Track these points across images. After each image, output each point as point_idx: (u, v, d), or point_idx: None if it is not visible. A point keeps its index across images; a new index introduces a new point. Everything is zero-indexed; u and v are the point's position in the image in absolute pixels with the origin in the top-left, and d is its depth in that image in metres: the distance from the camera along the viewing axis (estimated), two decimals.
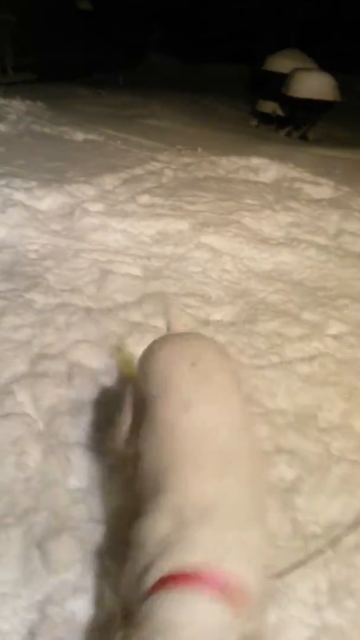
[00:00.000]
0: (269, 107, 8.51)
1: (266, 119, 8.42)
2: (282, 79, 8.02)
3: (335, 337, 2.73)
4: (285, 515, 1.84)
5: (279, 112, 8.49)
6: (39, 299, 2.62)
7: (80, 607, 1.46)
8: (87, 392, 2.17)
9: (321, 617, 1.55)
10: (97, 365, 2.34)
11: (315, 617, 1.55)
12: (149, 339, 2.46)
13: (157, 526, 1.17)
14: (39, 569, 1.54)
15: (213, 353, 1.61)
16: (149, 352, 1.68)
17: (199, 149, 5.07)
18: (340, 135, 7.26)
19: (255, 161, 4.87)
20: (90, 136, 5.15)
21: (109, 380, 2.28)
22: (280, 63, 8.41)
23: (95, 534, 1.64)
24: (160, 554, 1.12)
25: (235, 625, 1.04)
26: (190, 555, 1.10)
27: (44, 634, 1.39)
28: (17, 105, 5.61)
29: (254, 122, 8.32)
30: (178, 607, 1.02)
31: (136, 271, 3.02)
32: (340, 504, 1.89)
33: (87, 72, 8.76)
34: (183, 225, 3.55)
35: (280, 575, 1.64)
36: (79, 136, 5.12)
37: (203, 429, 1.32)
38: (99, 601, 1.48)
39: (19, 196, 3.57)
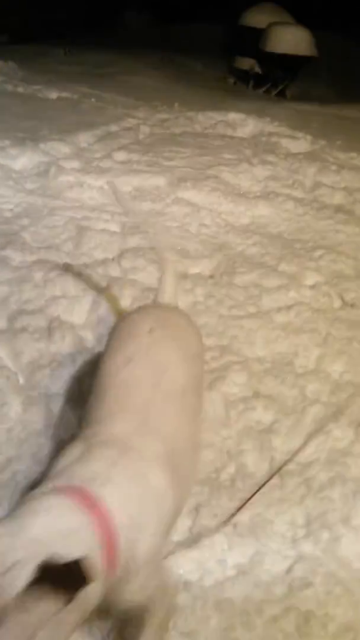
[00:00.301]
0: (246, 63, 8.35)
1: (243, 77, 8.28)
2: (259, 34, 7.87)
3: (311, 287, 2.77)
4: (263, 455, 1.90)
5: (257, 69, 8.35)
6: (15, 256, 2.62)
7: None
8: (67, 346, 2.20)
9: (298, 548, 1.62)
10: (77, 320, 2.36)
11: (292, 549, 1.62)
12: (128, 293, 2.52)
13: (72, 451, 1.22)
14: None
15: (175, 323, 1.66)
16: (119, 319, 1.76)
17: (176, 105, 5.01)
18: (318, 93, 7.17)
19: (232, 116, 4.82)
20: (64, 94, 5.05)
21: (89, 334, 2.30)
22: (257, 18, 8.23)
23: None
24: (57, 473, 1.15)
25: (89, 542, 0.99)
26: (76, 477, 1.12)
27: None
28: None
29: (231, 80, 8.19)
30: (37, 500, 1.04)
31: (114, 227, 3.01)
32: (315, 443, 1.95)
33: (59, 32, 8.52)
34: (160, 181, 3.53)
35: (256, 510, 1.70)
36: (53, 94, 5.02)
37: (139, 379, 1.40)
38: None
39: None
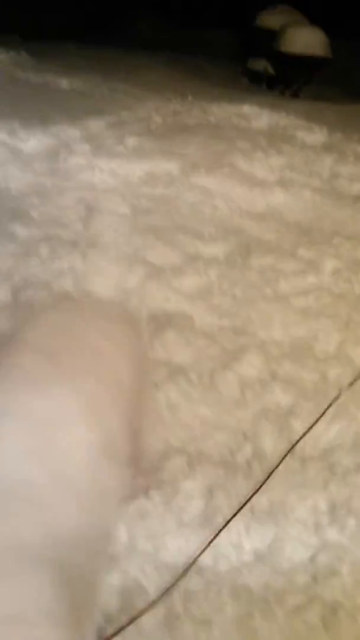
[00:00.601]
0: (260, 64, 8.28)
1: (257, 78, 8.20)
2: (273, 35, 7.80)
3: (331, 273, 2.64)
4: (282, 438, 1.76)
5: (270, 70, 8.28)
6: (21, 231, 2.50)
7: None
8: None
9: (321, 536, 1.47)
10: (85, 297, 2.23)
11: (315, 536, 1.48)
12: (139, 272, 2.39)
13: None
14: None
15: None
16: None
17: (189, 97, 4.90)
18: (332, 96, 7.06)
19: (246, 109, 4.70)
20: (76, 85, 4.95)
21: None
22: (271, 19, 8.16)
23: None
24: None
25: None
26: None
27: None
28: None
29: (245, 81, 8.11)
30: None
31: (124, 209, 2.89)
32: (338, 428, 1.81)
33: (68, 32, 8.43)
34: (173, 166, 3.41)
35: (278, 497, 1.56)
36: (65, 84, 4.93)
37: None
38: None
39: (1, 136, 3.41)
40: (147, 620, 1.20)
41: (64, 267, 2.32)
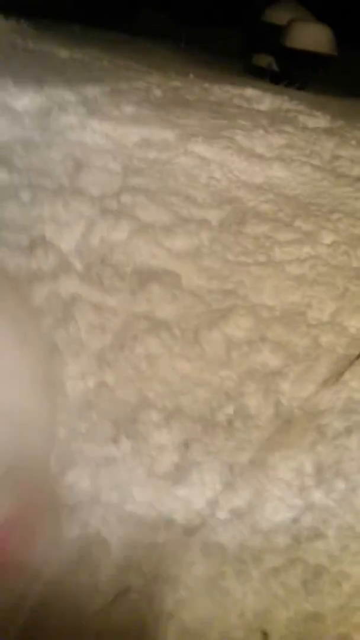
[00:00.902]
0: (264, 60, 8.19)
1: (260, 74, 8.10)
2: (279, 31, 7.71)
3: (328, 245, 2.50)
4: (268, 399, 1.61)
5: (274, 66, 8.18)
6: (1, 175, 2.34)
7: None
8: (51, 264, 1.91)
9: (307, 497, 1.32)
10: (66, 247, 2.08)
11: (299, 497, 1.33)
12: (124, 226, 2.24)
13: None
14: None
15: None
16: None
17: (191, 75, 4.77)
18: (336, 92, 6.96)
19: (249, 92, 4.59)
20: (76, 55, 4.80)
21: (77, 262, 2.02)
22: (278, 14, 8.08)
23: None
24: None
25: None
26: None
27: None
28: None
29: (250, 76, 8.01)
30: None
31: (115, 167, 2.74)
32: (329, 391, 1.67)
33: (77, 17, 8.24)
34: (170, 134, 3.27)
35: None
36: (64, 54, 4.78)
37: None
38: None
39: None
40: (107, 571, 1.04)
41: (44, 214, 2.16)
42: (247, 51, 8.33)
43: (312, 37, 7.31)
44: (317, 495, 1.31)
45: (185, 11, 11.28)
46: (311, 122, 4.12)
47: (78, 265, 1.99)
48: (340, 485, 1.34)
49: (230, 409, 1.56)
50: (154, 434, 1.41)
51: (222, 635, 1.02)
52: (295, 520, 1.25)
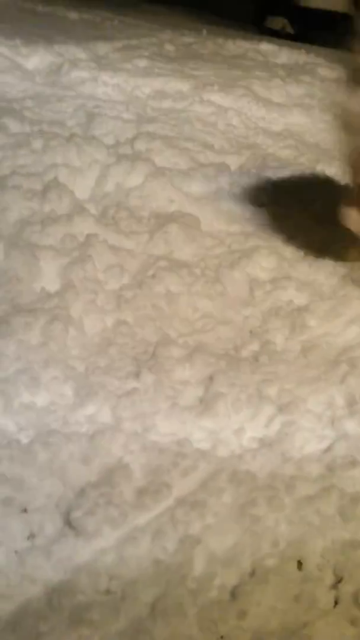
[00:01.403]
0: (278, 23, 7.95)
1: (275, 37, 7.88)
2: None
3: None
4: (294, 334, 1.53)
5: (289, 29, 7.94)
6: (13, 125, 2.28)
7: None
8: (65, 207, 1.84)
9: (339, 428, 1.25)
10: (80, 194, 2.00)
11: (330, 428, 1.25)
12: (139, 171, 2.15)
13: None
14: None
15: None
16: None
17: (204, 31, 4.63)
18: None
19: (264, 46, 4.44)
20: (86, 16, 4.69)
21: (92, 207, 1.94)
22: None
23: None
24: None
25: None
26: None
27: None
28: None
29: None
30: None
31: (129, 116, 2.65)
32: (356, 329, 1.58)
33: None
34: (184, 85, 3.17)
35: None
36: (73, 15, 4.66)
37: None
38: None
39: (1, 49, 3.18)
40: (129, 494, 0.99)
41: (57, 160, 2.08)
42: (261, 15, 8.09)
43: None
44: (350, 425, 1.24)
45: None
46: (330, 74, 3.96)
47: (93, 209, 1.92)
48: None
49: (255, 346, 1.49)
50: (177, 368, 1.35)
51: (254, 564, 0.96)
52: (327, 450, 1.18)
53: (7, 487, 1.00)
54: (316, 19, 7.34)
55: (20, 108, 2.52)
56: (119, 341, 1.42)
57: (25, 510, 0.98)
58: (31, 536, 0.94)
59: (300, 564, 0.98)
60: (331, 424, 1.26)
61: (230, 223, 2.05)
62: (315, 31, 7.56)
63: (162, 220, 1.92)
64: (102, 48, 3.69)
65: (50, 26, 4.08)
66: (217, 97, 3.02)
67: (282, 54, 4.40)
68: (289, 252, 1.92)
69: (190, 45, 4.24)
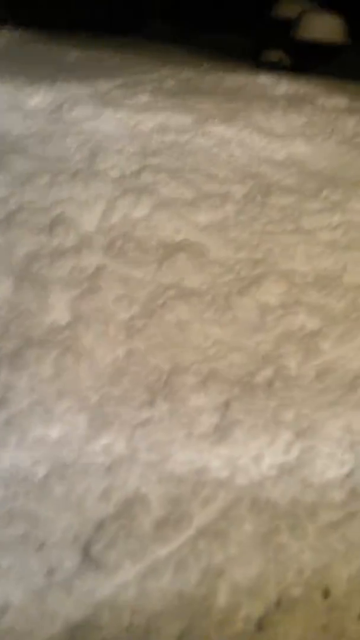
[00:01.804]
0: (275, 55, 8.12)
1: (272, 70, 8.03)
2: (289, 24, 7.64)
3: (358, 211, 2.40)
4: (308, 359, 1.52)
5: (286, 61, 8.10)
6: (18, 163, 2.31)
7: None
8: (71, 240, 1.85)
9: (358, 452, 1.23)
10: (87, 226, 2.02)
11: (351, 453, 1.23)
12: (145, 202, 2.17)
13: None
14: None
15: None
16: None
17: (204, 65, 4.71)
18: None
19: (263, 78, 4.52)
20: (86, 54, 4.79)
21: (100, 238, 1.95)
22: (288, 8, 8.01)
23: None
24: None
25: None
26: None
27: None
28: (6, 33, 5.27)
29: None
30: None
31: (134, 149, 2.68)
32: None
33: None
34: (186, 119, 3.20)
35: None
36: (74, 53, 4.76)
37: None
38: None
39: (5, 88, 3.25)
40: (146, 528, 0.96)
41: (63, 195, 2.11)
42: (258, 49, 8.26)
43: (323, 27, 7.20)
44: None
45: (193, 19, 11.19)
46: (330, 103, 4.02)
47: (101, 241, 1.93)
48: None
49: (269, 371, 1.47)
50: (191, 396, 1.34)
51: (280, 593, 0.93)
52: (349, 475, 1.16)
53: (23, 523, 0.99)
54: (312, 51, 7.50)
55: (25, 145, 2.55)
56: (131, 370, 1.41)
57: (43, 546, 0.95)
58: (50, 572, 0.92)
59: (326, 592, 0.96)
60: (350, 449, 1.24)
61: (238, 250, 2.05)
62: (312, 62, 7.74)
63: (170, 249, 1.93)
64: (104, 85, 3.76)
65: (53, 65, 4.17)
66: (219, 129, 3.06)
67: (281, 85, 4.47)
68: (298, 277, 1.91)
69: (190, 80, 4.31)
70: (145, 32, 9.53)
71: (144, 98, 3.49)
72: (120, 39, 6.14)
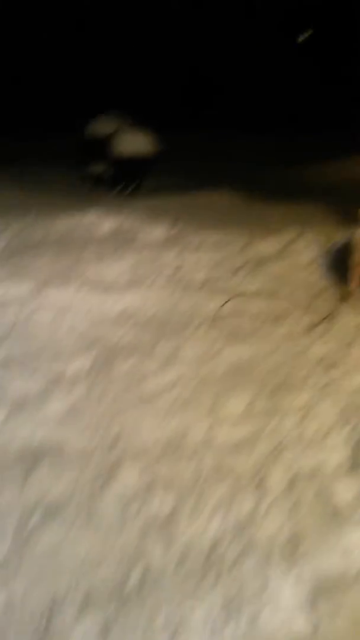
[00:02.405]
0: (99, 168, 8.70)
1: (99, 181, 8.58)
2: (106, 141, 8.27)
3: (190, 361, 2.74)
4: (169, 547, 1.75)
5: (109, 173, 8.70)
6: None
7: None
8: None
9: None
10: None
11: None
12: (1, 410, 2.34)
13: None
14: None
15: None
16: None
17: (34, 212, 5.00)
18: (171, 184, 7.50)
19: (90, 218, 4.87)
20: None
21: None
22: (101, 127, 8.66)
23: None
24: None
25: None
26: None
27: None
28: None
29: (88, 186, 8.46)
30: None
31: None
32: (218, 520, 1.83)
33: None
34: (23, 288, 3.44)
35: None
36: None
37: None
38: None
39: None
40: None
41: None
42: (84, 162, 8.81)
43: (134, 143, 7.92)
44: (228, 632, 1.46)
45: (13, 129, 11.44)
46: (151, 236, 4.45)
47: None
48: (243, 618, 1.49)
49: (137, 574, 1.68)
50: (73, 629, 1.50)
51: None
52: None
53: None
54: (128, 165, 8.16)
55: None
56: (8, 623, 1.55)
57: None
58: None
59: None
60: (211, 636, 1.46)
61: (93, 436, 2.26)
62: (130, 174, 8.39)
63: (30, 460, 2.09)
64: None
65: None
66: (56, 298, 3.32)
67: (106, 222, 4.85)
68: (148, 454, 2.16)
69: (21, 232, 4.56)
70: None
71: None
72: None
